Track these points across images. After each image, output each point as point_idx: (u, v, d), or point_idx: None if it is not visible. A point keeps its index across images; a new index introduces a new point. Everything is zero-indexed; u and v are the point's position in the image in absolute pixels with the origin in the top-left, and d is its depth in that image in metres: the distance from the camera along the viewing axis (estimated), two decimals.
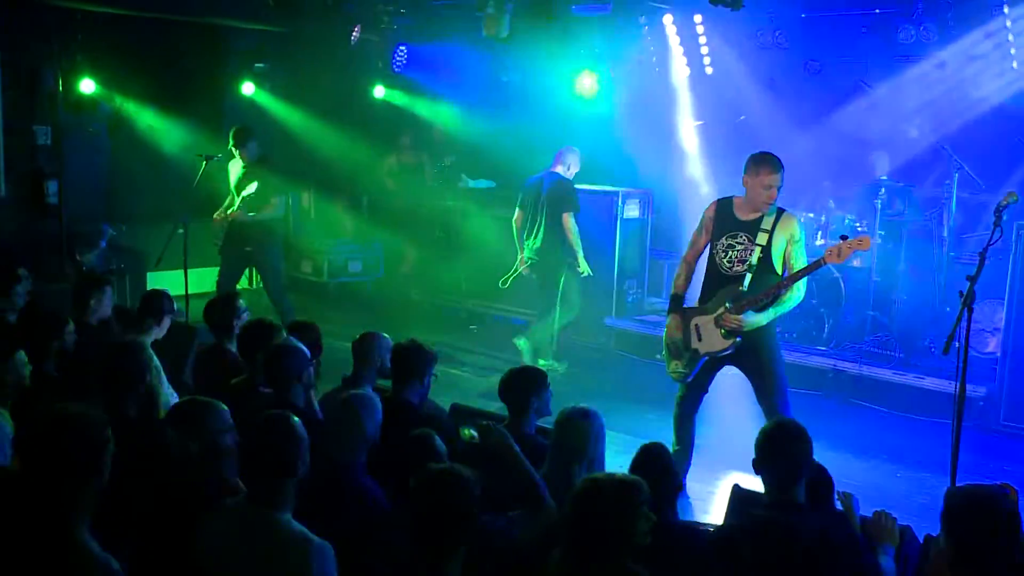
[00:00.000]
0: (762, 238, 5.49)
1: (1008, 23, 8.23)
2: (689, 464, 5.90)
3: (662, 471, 3.85)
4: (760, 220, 5.54)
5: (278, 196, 8.85)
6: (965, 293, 4.62)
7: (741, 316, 5.42)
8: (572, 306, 8.90)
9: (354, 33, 9.53)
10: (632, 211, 9.91)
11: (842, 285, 8.82)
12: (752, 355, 5.58)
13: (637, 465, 3.89)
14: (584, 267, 8.81)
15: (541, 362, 8.37)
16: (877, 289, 8.76)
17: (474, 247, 10.67)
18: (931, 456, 6.60)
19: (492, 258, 10.37)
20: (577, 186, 9.88)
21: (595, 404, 4.30)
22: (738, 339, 5.51)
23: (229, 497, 3.42)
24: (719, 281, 5.62)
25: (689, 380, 5.72)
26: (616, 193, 9.87)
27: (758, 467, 3.59)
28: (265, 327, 5.30)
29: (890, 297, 8.79)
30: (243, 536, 3.17)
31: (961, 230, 8.45)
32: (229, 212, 8.79)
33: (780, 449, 3.55)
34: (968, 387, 7.52)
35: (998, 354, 7.87)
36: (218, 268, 9.08)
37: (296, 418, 3.36)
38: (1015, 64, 8.35)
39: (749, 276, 5.49)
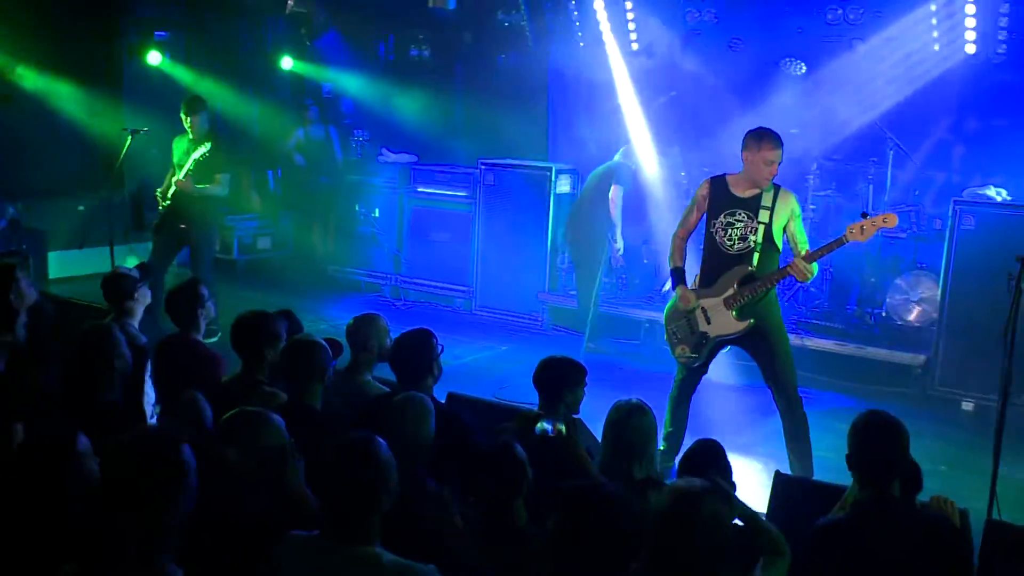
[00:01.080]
0: (764, 215, 5.42)
1: (932, 7, 8.42)
2: (682, 447, 5.81)
3: (722, 470, 3.69)
4: (759, 197, 5.47)
5: (224, 173, 8.29)
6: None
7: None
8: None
9: (289, 2, 8.94)
10: (564, 187, 9.77)
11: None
12: (761, 335, 5.51)
13: (694, 462, 3.71)
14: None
15: None
16: None
17: (399, 221, 10.34)
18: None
19: (418, 231, 10.37)
20: (510, 162, 9.79)
21: None
22: (752, 320, 5.42)
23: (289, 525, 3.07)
24: (723, 261, 5.51)
25: (697, 365, 5.60)
26: (549, 168, 9.71)
27: (854, 461, 3.42)
28: (263, 318, 4.86)
29: (820, 270, 8.92)
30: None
31: (894, 204, 8.59)
32: (176, 180, 8.19)
33: (879, 442, 3.39)
34: (908, 355, 7.95)
35: (924, 324, 8.16)
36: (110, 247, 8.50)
37: (381, 440, 3.01)
38: (937, 47, 8.56)
39: (757, 255, 5.40)
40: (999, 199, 7.87)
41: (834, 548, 3.29)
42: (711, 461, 3.69)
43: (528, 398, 4.63)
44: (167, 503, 2.54)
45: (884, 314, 8.44)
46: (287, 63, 11.51)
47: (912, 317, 8.41)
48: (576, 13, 10.07)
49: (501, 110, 10.56)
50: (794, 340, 8.19)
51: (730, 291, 5.45)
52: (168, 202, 8.34)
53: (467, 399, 5.28)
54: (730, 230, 5.48)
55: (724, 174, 5.69)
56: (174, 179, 8.23)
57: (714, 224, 5.54)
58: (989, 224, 7.51)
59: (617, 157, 9.10)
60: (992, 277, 6.59)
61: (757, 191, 5.47)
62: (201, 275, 8.41)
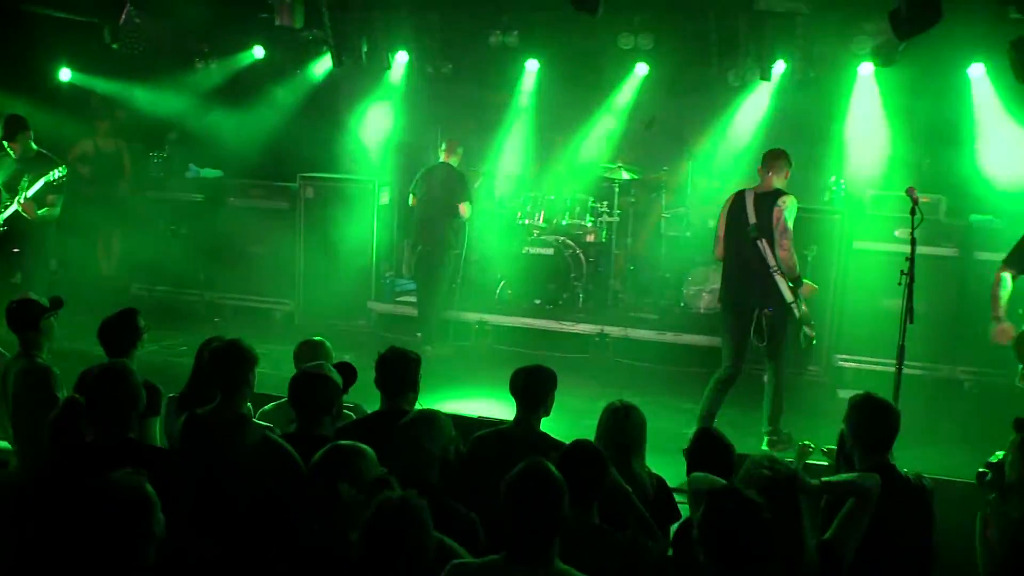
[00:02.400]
0: None
1: None
2: None
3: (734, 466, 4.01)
4: None
5: (56, 193, 7.71)
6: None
7: None
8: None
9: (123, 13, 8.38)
10: (384, 199, 9.93)
11: (583, 258, 9.65)
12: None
13: (702, 453, 4.07)
14: None
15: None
16: (615, 262, 9.74)
17: (211, 237, 9.98)
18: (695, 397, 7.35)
19: (232, 246, 10.07)
20: (331, 176, 9.88)
21: None
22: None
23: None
24: None
25: None
26: (373, 181, 9.93)
27: (860, 433, 3.94)
28: (238, 348, 4.70)
29: (625, 268, 9.82)
30: None
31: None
32: (21, 203, 7.63)
33: (876, 418, 3.97)
34: (716, 339, 8.89)
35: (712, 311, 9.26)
36: None
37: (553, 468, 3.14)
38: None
39: None
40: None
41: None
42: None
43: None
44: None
45: (682, 304, 9.45)
46: (65, 75, 10.71)
47: (703, 305, 9.45)
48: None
49: (308, 125, 10.57)
50: (618, 332, 9.10)
51: None
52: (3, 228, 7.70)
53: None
54: None
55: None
56: (18, 202, 7.58)
57: None
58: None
59: (454, 161, 9.30)
60: None
61: None
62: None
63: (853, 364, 8.58)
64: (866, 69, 9.33)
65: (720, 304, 7.21)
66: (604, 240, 9.92)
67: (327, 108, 10.91)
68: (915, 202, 5.89)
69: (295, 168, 10.15)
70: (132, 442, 4.07)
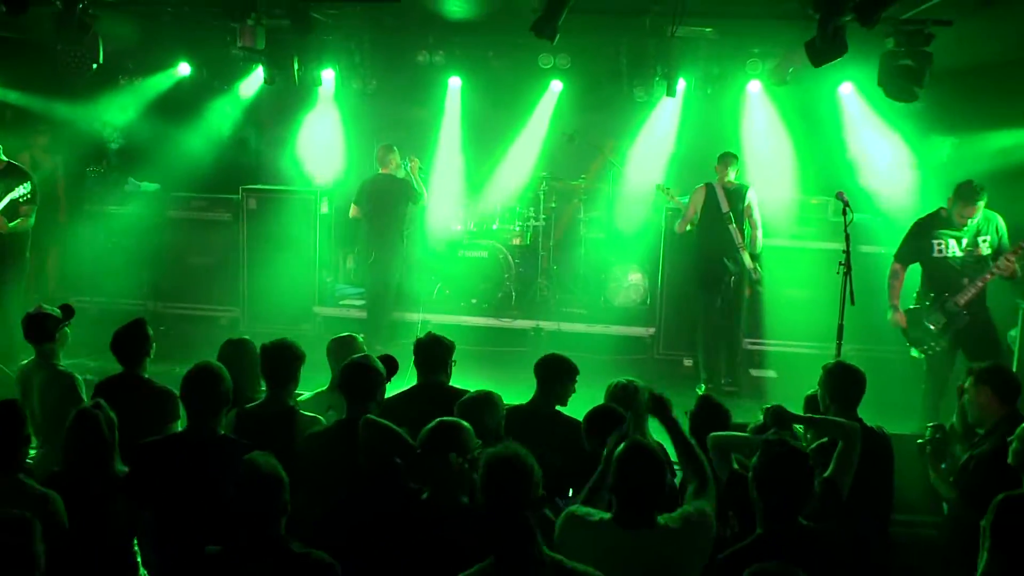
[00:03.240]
0: None
1: None
2: None
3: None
4: None
5: (30, 204, 7.82)
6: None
7: None
8: None
9: None
10: (324, 208, 10.34)
11: (511, 260, 10.35)
12: None
13: (704, 416, 4.80)
14: None
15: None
16: (540, 262, 10.49)
17: (154, 249, 10.16)
18: None
19: (175, 257, 10.34)
20: (273, 188, 10.22)
21: None
22: None
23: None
24: None
25: None
26: (315, 192, 10.35)
27: (835, 394, 4.75)
28: (289, 345, 5.12)
29: (550, 268, 10.58)
30: (632, 553, 3.59)
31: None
32: None
33: (849, 379, 4.79)
34: (641, 329, 9.74)
35: (632, 304, 10.15)
36: None
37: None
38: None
39: None
40: None
41: None
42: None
43: None
44: None
45: (603, 300, 10.29)
46: None
47: (624, 298, 10.31)
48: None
49: (244, 139, 10.87)
50: (551, 326, 9.83)
51: None
52: None
53: None
54: None
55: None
56: None
57: None
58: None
59: (392, 168, 9.74)
60: (690, 268, 8.94)
61: None
62: (12, 313, 7.93)
63: (759, 347, 9.58)
64: (754, 87, 10.42)
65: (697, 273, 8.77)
66: (529, 243, 10.69)
67: (262, 123, 11.21)
68: (846, 204, 6.80)
69: (234, 181, 10.49)
70: (223, 436, 4.49)
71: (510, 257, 10.41)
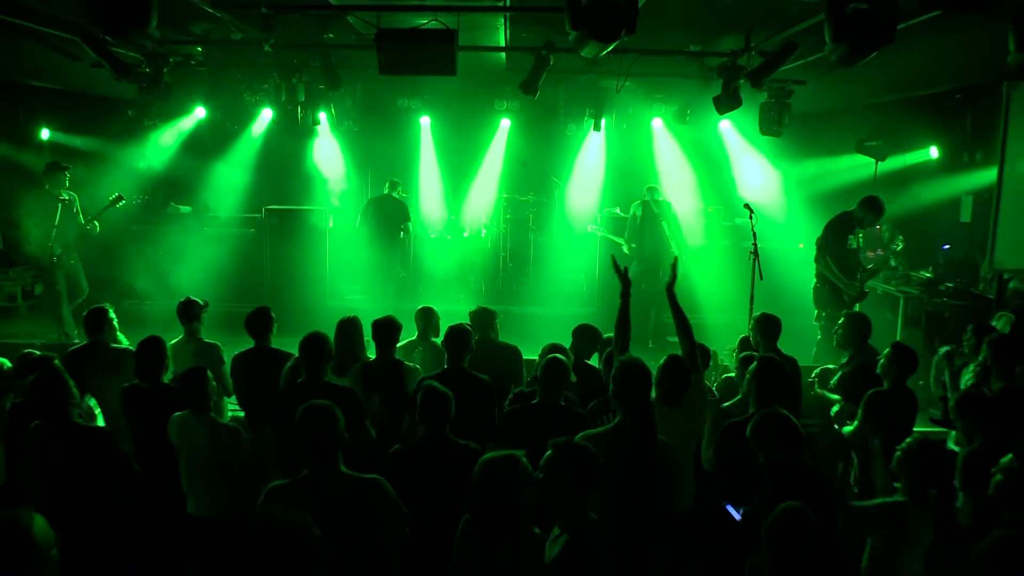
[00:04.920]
0: None
1: None
2: None
3: None
4: None
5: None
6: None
7: None
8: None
9: None
10: (331, 223, 12.25)
11: (477, 261, 12.52)
12: None
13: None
14: None
15: None
16: (499, 261, 12.72)
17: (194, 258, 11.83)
18: None
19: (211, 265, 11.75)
20: (291, 207, 12.08)
21: None
22: None
23: None
24: None
25: None
26: (324, 210, 12.21)
27: (762, 333, 6.61)
28: (392, 320, 6.36)
29: (507, 265, 12.80)
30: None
31: None
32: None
33: (773, 322, 6.81)
34: (584, 309, 12.01)
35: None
36: None
37: None
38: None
39: None
40: None
41: None
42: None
43: None
44: None
45: (551, 289, 12.57)
46: (45, 134, 12.14)
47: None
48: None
49: (259, 170, 12.72)
50: (518, 310, 12.01)
51: None
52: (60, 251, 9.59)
53: None
54: None
55: None
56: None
57: None
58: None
59: (396, 194, 11.79)
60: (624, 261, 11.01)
61: None
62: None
63: None
64: (657, 123, 12.96)
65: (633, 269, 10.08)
66: (490, 247, 12.89)
67: (271, 156, 12.99)
68: (751, 211, 8.66)
69: (255, 203, 12.25)
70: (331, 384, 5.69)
71: (479, 257, 12.63)
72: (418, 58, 7.30)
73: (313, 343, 5.61)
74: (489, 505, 3.50)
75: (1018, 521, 3.95)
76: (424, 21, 7.71)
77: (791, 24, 8.10)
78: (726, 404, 5.95)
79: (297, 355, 5.84)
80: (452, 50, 7.22)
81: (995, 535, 3.19)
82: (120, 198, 9.82)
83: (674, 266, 5.80)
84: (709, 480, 5.14)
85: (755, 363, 5.22)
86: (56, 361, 5.46)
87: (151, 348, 5.81)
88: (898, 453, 4.26)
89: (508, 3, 7.89)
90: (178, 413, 5.31)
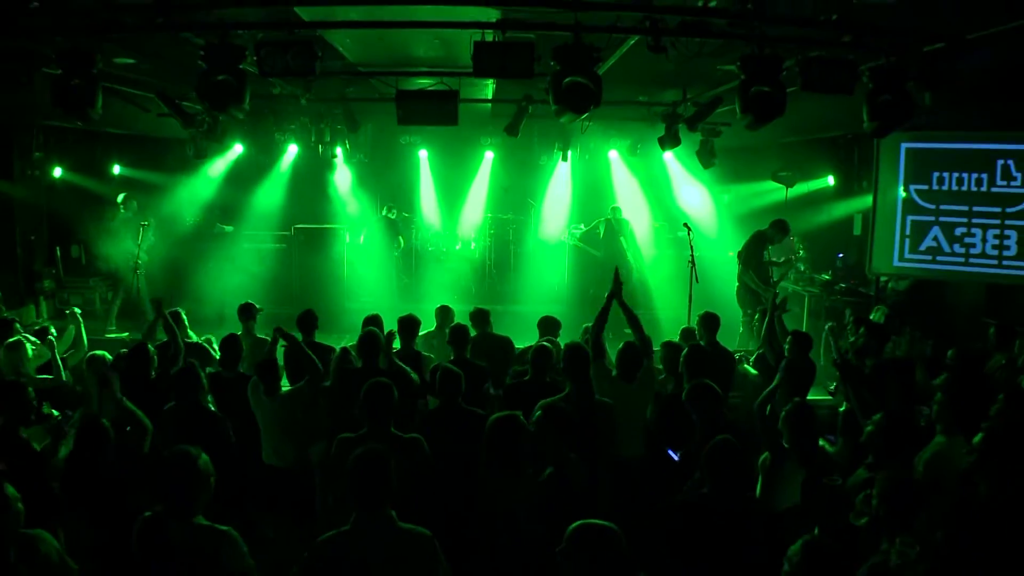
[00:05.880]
0: None
1: None
2: None
3: None
4: None
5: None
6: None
7: None
8: None
9: None
10: (347, 239, 13.06)
11: (469, 269, 13.42)
12: None
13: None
14: None
15: None
16: (484, 269, 13.61)
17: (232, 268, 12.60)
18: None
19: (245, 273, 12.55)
20: (315, 226, 12.88)
21: None
22: None
23: None
24: None
25: None
26: (343, 228, 13.06)
27: (704, 327, 7.82)
28: (413, 317, 7.23)
29: (491, 272, 13.68)
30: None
31: None
32: None
33: (713, 318, 8.01)
34: (557, 306, 12.89)
35: None
36: None
37: None
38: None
39: None
40: None
41: None
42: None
43: None
44: None
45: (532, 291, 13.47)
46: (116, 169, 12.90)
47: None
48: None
49: (288, 194, 13.55)
50: (504, 309, 12.90)
51: None
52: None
53: None
54: None
55: None
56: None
57: None
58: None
59: (392, 215, 12.84)
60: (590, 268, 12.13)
61: None
62: None
63: None
64: (613, 154, 13.91)
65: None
66: (478, 256, 13.80)
67: (298, 183, 13.81)
68: (689, 229, 9.70)
69: (285, 222, 13.11)
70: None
71: (469, 265, 13.55)
72: (428, 112, 8.10)
73: (371, 337, 6.26)
74: (500, 449, 4.37)
75: (879, 464, 4.57)
76: (431, 82, 8.56)
77: (718, 84, 9.06)
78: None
79: (339, 348, 6.71)
80: (455, 106, 8.04)
81: (803, 539, 3.36)
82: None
83: (616, 276, 6.38)
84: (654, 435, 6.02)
85: (685, 350, 6.04)
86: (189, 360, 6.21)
87: (233, 344, 6.65)
88: (783, 414, 4.92)
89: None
90: (254, 391, 5.98)
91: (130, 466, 4.56)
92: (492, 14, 5.85)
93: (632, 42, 6.57)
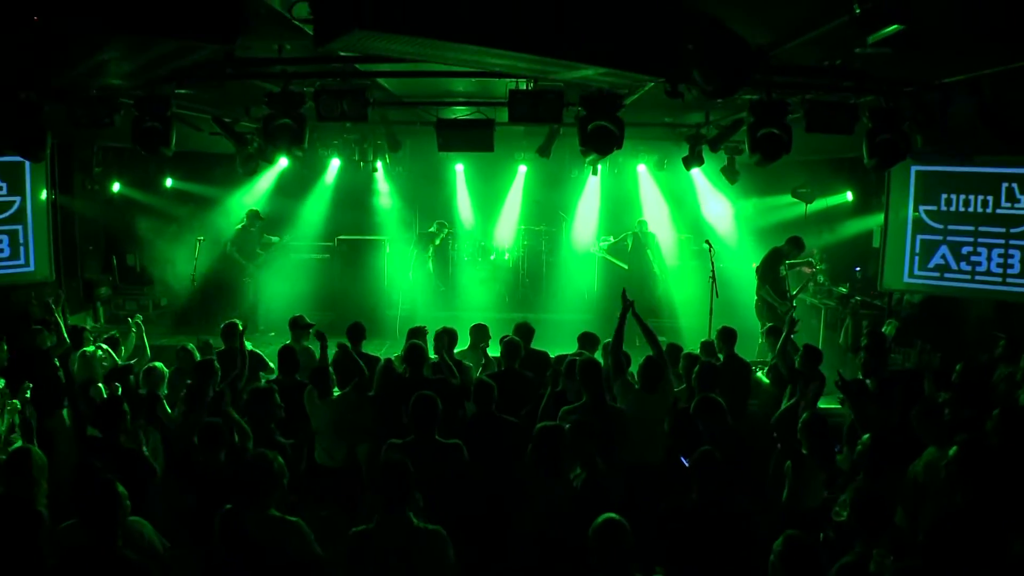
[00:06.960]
0: None
1: None
2: None
3: None
4: None
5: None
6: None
7: None
8: None
9: None
10: (388, 249, 13.79)
11: (503, 278, 14.14)
12: None
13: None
14: None
15: None
16: (518, 278, 14.29)
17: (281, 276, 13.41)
18: None
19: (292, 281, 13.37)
20: (356, 237, 13.63)
21: None
22: None
23: None
24: None
25: None
26: (384, 238, 13.87)
27: (723, 340, 8.57)
28: (452, 330, 7.98)
29: (524, 280, 14.37)
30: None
31: None
32: None
33: (732, 332, 8.67)
34: (587, 315, 13.54)
35: None
36: None
37: None
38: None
39: None
40: None
41: None
42: None
43: None
44: None
45: (563, 298, 14.14)
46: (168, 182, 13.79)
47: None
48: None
49: (332, 207, 14.35)
50: (535, 316, 13.59)
51: None
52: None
53: None
54: None
55: None
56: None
57: None
58: None
59: (433, 229, 13.56)
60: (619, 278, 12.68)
61: None
62: None
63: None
64: (642, 168, 14.50)
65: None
66: (511, 266, 14.50)
67: (340, 196, 14.60)
68: (710, 246, 10.37)
69: (328, 232, 13.92)
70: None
71: (503, 275, 14.27)
72: (466, 140, 8.81)
73: (416, 349, 6.99)
74: (544, 452, 5.03)
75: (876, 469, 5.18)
76: (468, 111, 9.28)
77: (739, 109, 9.62)
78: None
79: (383, 359, 7.39)
80: (491, 134, 8.72)
81: (786, 534, 3.90)
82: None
83: (624, 296, 6.81)
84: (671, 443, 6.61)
85: (697, 366, 6.67)
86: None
87: (290, 354, 7.41)
88: (800, 424, 5.66)
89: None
90: (309, 396, 6.65)
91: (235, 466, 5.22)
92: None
93: (651, 86, 7.20)
